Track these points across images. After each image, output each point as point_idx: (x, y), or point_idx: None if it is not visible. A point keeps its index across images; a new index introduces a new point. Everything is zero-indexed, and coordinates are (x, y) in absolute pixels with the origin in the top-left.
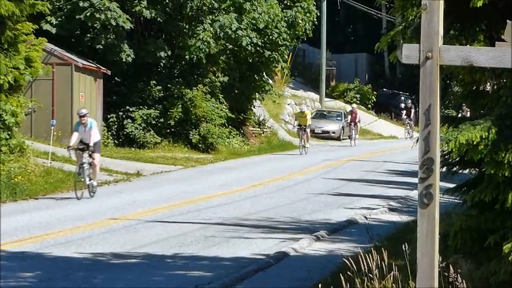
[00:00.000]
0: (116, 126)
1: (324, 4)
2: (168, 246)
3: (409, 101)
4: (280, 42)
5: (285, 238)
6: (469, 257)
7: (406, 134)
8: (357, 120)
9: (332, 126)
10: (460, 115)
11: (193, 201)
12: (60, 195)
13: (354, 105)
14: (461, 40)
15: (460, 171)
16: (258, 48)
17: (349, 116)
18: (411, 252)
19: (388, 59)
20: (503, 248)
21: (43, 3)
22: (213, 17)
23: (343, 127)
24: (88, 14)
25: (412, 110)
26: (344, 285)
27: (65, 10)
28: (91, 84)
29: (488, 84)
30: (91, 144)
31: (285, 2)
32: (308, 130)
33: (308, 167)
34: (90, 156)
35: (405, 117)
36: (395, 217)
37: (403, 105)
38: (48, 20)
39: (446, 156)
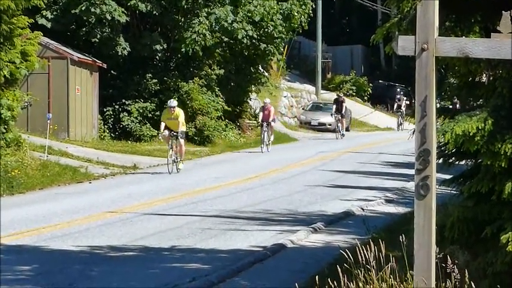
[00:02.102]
0: (112, 119)
1: None
2: (165, 238)
3: (342, 94)
4: (275, 34)
5: (282, 230)
6: (465, 248)
7: (337, 135)
8: (270, 120)
9: (328, 119)
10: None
11: (190, 194)
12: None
13: (267, 99)
14: (456, 31)
15: (457, 162)
16: (254, 41)
17: (261, 113)
18: (408, 243)
19: (383, 51)
20: (500, 238)
21: None
22: (209, 10)
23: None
24: (83, 8)
25: (344, 104)
26: (341, 277)
27: (60, 4)
28: (87, 77)
29: (484, 75)
30: None
31: None
32: (182, 141)
33: (304, 159)
34: None
35: (335, 113)
36: (392, 208)
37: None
38: (44, 14)
39: (443, 148)
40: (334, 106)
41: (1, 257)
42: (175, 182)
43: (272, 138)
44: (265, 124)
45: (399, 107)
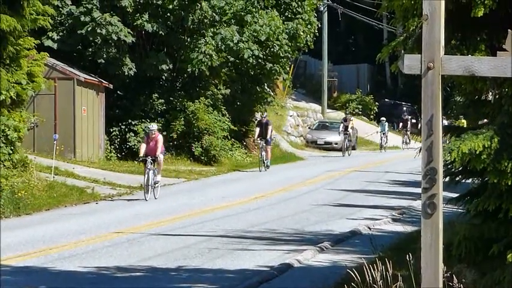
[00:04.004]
0: (118, 139)
1: (325, 16)
2: (172, 259)
3: (266, 115)
4: (281, 54)
5: (288, 250)
6: (473, 267)
7: (261, 167)
8: (158, 153)
9: (334, 137)
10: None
11: (197, 214)
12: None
13: (154, 125)
14: (462, 50)
15: (463, 180)
16: (260, 61)
17: (143, 146)
18: (415, 262)
19: (389, 70)
20: (508, 256)
21: (44, 18)
22: (215, 30)
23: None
24: (89, 29)
25: (270, 127)
26: None
27: (66, 25)
28: (93, 98)
29: (490, 93)
30: None
31: (286, 14)
32: None
33: (310, 178)
34: None
35: (259, 139)
36: (398, 227)
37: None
38: (50, 35)
39: (449, 166)
40: (258, 129)
41: (9, 279)
42: (182, 202)
43: (159, 180)
44: (149, 160)
45: (346, 128)
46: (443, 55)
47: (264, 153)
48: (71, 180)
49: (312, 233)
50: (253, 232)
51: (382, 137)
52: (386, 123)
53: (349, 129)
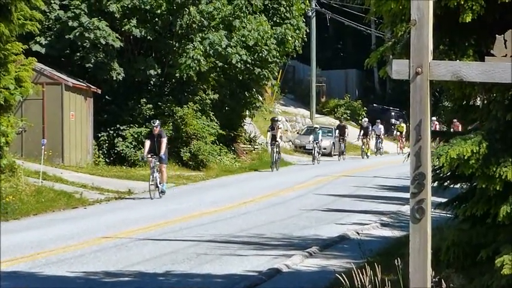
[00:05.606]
0: (106, 144)
1: (313, 21)
2: (160, 264)
3: (157, 123)
4: (270, 59)
5: (277, 255)
6: (461, 272)
7: (152, 192)
8: None
9: (323, 142)
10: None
11: (185, 219)
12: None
13: None
14: (450, 55)
15: (452, 185)
16: (248, 65)
17: None
18: (404, 267)
19: (378, 75)
20: (495, 261)
21: (32, 23)
22: (203, 35)
23: (333, 143)
24: (77, 34)
25: (164, 140)
26: None
27: (54, 29)
28: (81, 103)
29: (478, 98)
30: None
31: (275, 19)
32: None
33: (299, 183)
34: None
35: (148, 155)
36: (387, 232)
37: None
38: (38, 40)
39: (438, 171)
40: (148, 143)
41: None
42: (170, 207)
43: None
44: None
45: (273, 137)
46: (432, 60)
47: (156, 174)
48: (59, 185)
49: (300, 238)
50: (241, 237)
51: (314, 147)
52: (320, 132)
53: (278, 139)
